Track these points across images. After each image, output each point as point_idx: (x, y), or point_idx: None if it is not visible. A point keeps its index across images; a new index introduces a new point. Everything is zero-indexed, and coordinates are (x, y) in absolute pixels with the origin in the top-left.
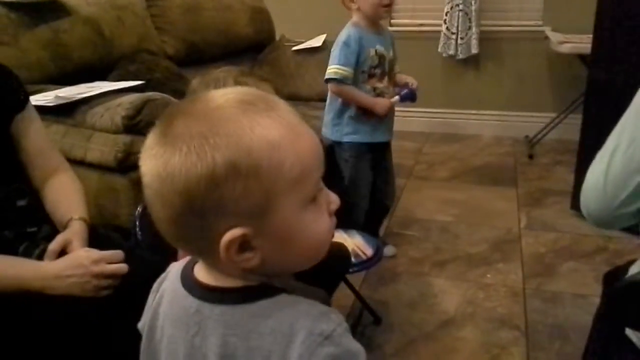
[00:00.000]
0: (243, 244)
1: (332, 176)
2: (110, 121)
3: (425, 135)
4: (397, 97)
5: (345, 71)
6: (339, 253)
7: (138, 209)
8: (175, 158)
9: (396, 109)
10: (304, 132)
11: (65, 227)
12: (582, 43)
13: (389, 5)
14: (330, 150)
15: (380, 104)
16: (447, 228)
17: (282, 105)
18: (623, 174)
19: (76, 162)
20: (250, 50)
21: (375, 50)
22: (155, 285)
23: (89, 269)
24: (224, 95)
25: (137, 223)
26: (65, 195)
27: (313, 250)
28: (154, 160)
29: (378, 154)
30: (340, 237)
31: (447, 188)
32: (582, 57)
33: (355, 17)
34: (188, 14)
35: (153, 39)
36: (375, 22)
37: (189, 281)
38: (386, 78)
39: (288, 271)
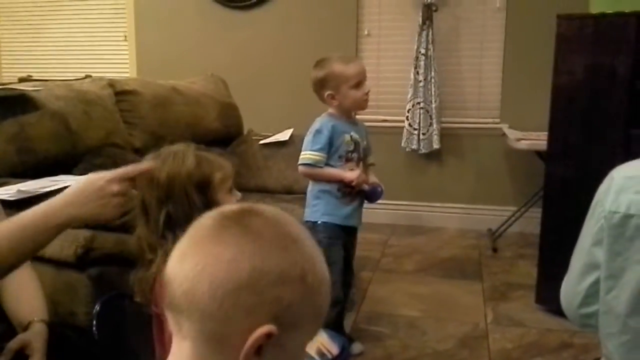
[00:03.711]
0: (259, 349)
1: None
2: None
3: (390, 227)
4: (366, 187)
5: (318, 156)
6: None
7: (96, 307)
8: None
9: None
10: None
11: (25, 328)
12: (539, 140)
13: (367, 95)
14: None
15: (347, 172)
16: (414, 323)
17: None
18: (576, 278)
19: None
20: (218, 143)
21: (351, 136)
22: None
23: None
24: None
25: (95, 322)
26: (26, 295)
27: None
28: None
29: (347, 239)
30: None
31: (414, 281)
32: (539, 153)
33: (331, 110)
34: (158, 109)
35: (121, 133)
36: (350, 113)
37: None
38: (361, 165)
39: None
